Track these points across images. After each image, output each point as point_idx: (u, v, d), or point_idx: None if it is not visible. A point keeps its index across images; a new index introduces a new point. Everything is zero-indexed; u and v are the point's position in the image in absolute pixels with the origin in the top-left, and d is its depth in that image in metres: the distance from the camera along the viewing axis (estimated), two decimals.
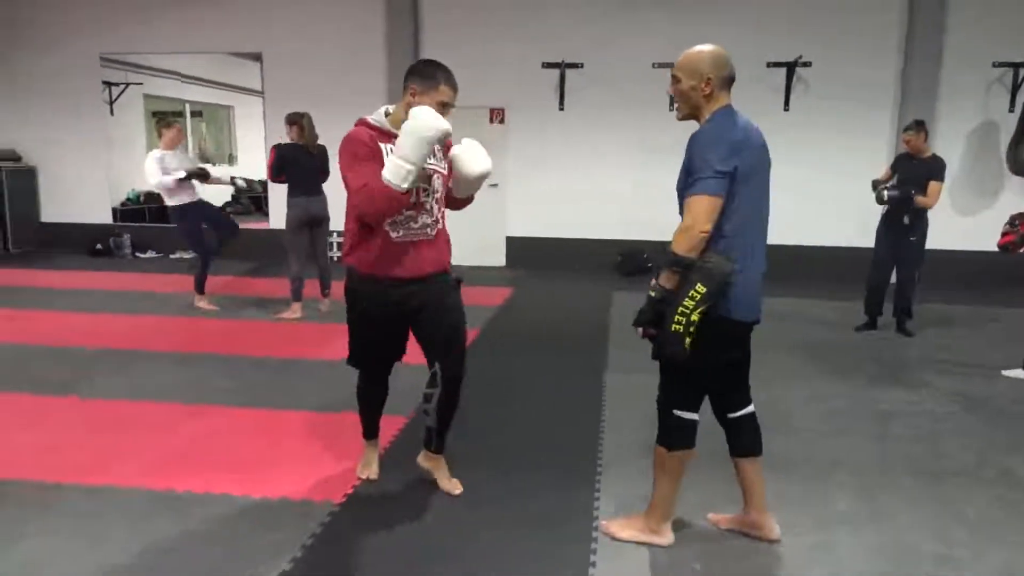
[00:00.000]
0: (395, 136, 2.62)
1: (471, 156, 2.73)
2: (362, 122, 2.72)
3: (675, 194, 2.40)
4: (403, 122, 2.61)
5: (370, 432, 3.11)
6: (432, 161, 2.71)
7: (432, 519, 2.79)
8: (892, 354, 5.35)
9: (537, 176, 8.90)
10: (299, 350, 5.07)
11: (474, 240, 8.92)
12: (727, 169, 2.25)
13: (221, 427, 3.65)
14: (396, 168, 2.50)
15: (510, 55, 8.63)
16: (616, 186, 8.63)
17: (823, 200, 8.35)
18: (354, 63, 8.83)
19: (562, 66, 8.51)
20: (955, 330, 6.09)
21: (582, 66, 8.49)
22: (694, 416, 2.49)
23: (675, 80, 2.43)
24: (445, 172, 2.80)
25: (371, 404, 3.06)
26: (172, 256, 9.32)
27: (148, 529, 2.66)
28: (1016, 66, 7.82)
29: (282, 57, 9.01)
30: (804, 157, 8.29)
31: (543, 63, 8.56)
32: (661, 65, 7.87)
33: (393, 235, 2.66)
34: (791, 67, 8.15)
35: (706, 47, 2.40)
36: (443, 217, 2.83)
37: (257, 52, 9.14)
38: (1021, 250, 4.54)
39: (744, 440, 2.61)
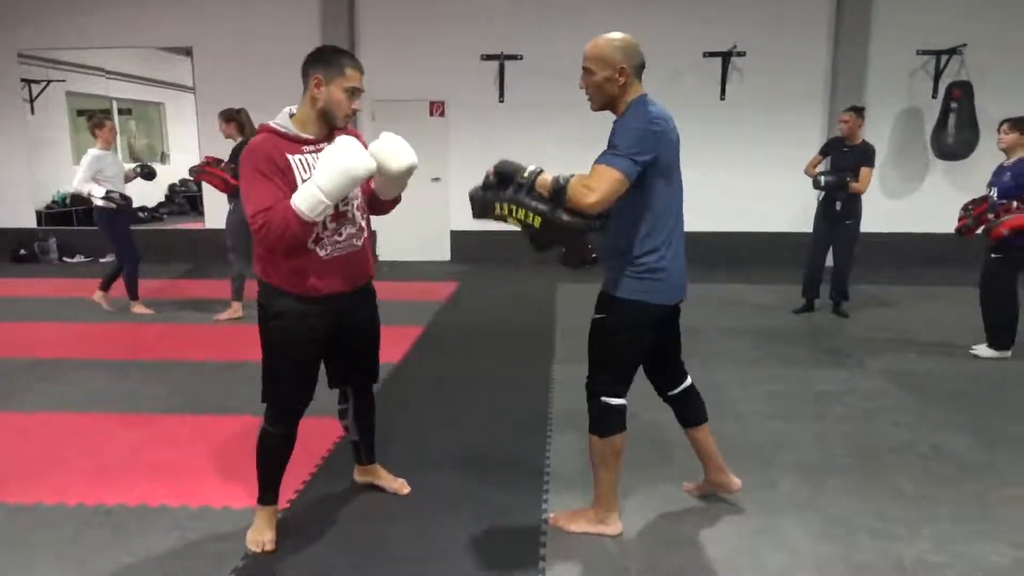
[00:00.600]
0: (304, 142, 2.35)
1: (393, 151, 2.40)
2: (265, 128, 2.36)
3: None
4: (311, 121, 2.37)
5: (271, 496, 2.56)
6: None
7: (378, 522, 2.74)
8: (829, 336, 5.50)
9: (480, 169, 8.58)
10: (239, 352, 4.92)
11: (418, 235, 8.86)
12: (645, 158, 2.25)
13: (157, 436, 3.52)
14: (313, 202, 2.21)
15: (449, 47, 8.55)
16: None
17: (761, 187, 8.53)
18: (288, 55, 8.36)
19: (501, 58, 8.48)
20: (887, 310, 6.29)
21: (521, 58, 8.48)
22: (622, 401, 2.51)
23: (587, 72, 2.40)
24: None
25: (283, 456, 2.55)
26: (102, 260, 8.95)
27: (81, 546, 2.54)
28: (938, 53, 8.12)
29: (213, 51, 8.74)
30: (741, 145, 8.48)
31: (482, 55, 8.52)
32: None
33: (321, 253, 2.38)
34: (727, 56, 8.28)
35: (615, 35, 2.38)
36: (367, 223, 2.59)
37: (187, 46, 8.85)
38: (976, 232, 4.79)
39: (690, 412, 2.75)
